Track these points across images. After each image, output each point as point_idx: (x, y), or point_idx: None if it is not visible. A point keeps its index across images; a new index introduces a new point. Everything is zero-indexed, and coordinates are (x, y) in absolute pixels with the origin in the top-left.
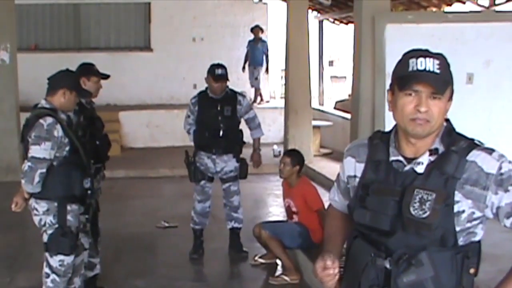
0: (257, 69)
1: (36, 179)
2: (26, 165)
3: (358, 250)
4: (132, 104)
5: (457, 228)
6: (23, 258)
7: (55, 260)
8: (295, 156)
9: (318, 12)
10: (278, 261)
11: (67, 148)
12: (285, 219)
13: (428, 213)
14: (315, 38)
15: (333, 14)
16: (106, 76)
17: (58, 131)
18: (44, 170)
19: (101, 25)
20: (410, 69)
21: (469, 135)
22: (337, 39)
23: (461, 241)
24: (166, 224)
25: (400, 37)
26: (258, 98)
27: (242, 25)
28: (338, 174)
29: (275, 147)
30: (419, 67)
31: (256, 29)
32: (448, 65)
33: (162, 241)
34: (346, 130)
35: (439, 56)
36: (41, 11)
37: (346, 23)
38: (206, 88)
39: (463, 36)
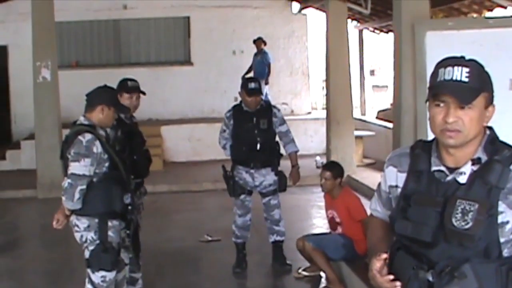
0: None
1: (77, 195)
2: (66, 182)
3: (401, 263)
4: (174, 119)
5: (501, 240)
6: (67, 274)
7: (97, 276)
8: (335, 169)
9: (358, 21)
10: (322, 274)
11: (106, 164)
12: (328, 231)
13: (470, 224)
14: (355, 48)
15: (373, 23)
16: (143, 93)
17: (97, 148)
18: (84, 187)
19: (141, 41)
20: (439, 79)
21: None
22: (378, 48)
23: (505, 252)
24: (209, 238)
25: (441, 45)
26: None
27: (282, 37)
28: (379, 184)
29: (317, 158)
30: (446, 77)
31: (258, 41)
32: (482, 71)
33: (205, 255)
34: (389, 139)
35: (470, 63)
36: (81, 28)
37: (386, 32)
38: (241, 102)
39: (504, 41)
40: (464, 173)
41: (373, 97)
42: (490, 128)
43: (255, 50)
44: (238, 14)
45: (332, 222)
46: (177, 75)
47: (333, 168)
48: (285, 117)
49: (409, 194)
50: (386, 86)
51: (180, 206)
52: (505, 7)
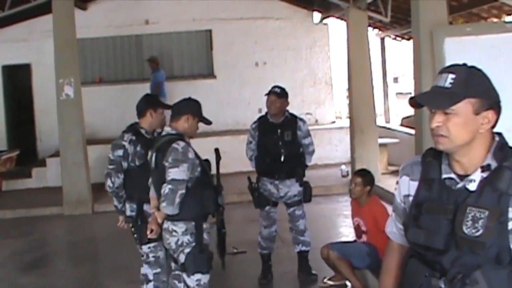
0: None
1: (177, 200)
2: (167, 188)
3: (413, 270)
4: (198, 131)
5: None
6: None
7: (192, 280)
8: (366, 177)
9: (379, 29)
10: (348, 283)
11: (199, 169)
12: (354, 239)
13: (481, 231)
14: (377, 56)
15: (394, 30)
16: (170, 107)
17: (191, 153)
18: (183, 191)
19: (164, 55)
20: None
21: None
22: (401, 55)
23: None
24: (235, 250)
25: (460, 50)
26: None
27: (304, 47)
28: (394, 200)
29: (343, 167)
30: (434, 84)
31: (149, 62)
32: (472, 77)
33: (231, 267)
34: (413, 146)
35: (458, 69)
36: (104, 44)
37: (408, 39)
38: (266, 113)
39: None
40: (474, 180)
41: (397, 104)
42: (500, 134)
43: (278, 61)
44: (259, 25)
45: (357, 230)
46: (200, 88)
47: (364, 175)
48: (309, 127)
49: (420, 202)
50: (410, 93)
51: None
52: None
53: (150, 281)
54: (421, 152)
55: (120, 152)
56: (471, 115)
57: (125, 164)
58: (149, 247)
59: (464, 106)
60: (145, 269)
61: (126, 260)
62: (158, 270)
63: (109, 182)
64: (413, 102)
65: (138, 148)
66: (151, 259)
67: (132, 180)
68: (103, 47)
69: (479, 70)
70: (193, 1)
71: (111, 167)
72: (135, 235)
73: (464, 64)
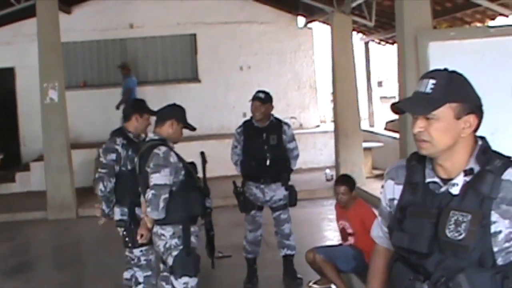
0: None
1: (161, 204)
2: (150, 193)
3: (397, 274)
4: (183, 136)
5: (495, 249)
6: None
7: (179, 283)
8: (349, 183)
9: (363, 34)
10: (333, 286)
11: (183, 172)
12: (339, 243)
13: (463, 235)
14: (362, 60)
15: (378, 35)
16: (155, 113)
17: (173, 157)
18: (167, 196)
19: (149, 59)
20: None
21: None
22: (385, 59)
23: (499, 261)
24: (220, 254)
25: (444, 55)
26: None
27: (289, 51)
28: (380, 204)
29: (327, 171)
30: (416, 89)
31: (121, 69)
32: (452, 82)
33: (217, 271)
34: (398, 150)
35: (439, 74)
36: (88, 48)
37: (392, 43)
38: (251, 118)
39: (506, 49)
40: (457, 184)
41: (382, 108)
42: (483, 138)
43: (262, 65)
44: (244, 30)
45: (343, 233)
46: (185, 92)
47: (347, 181)
48: (294, 131)
49: (405, 206)
50: (394, 97)
51: None
52: (507, 16)
53: (140, 283)
54: (406, 156)
55: (113, 156)
56: (452, 120)
57: (116, 168)
58: (141, 251)
59: (445, 111)
60: (134, 272)
61: (111, 264)
62: (149, 273)
63: (101, 186)
64: (395, 108)
65: (130, 152)
66: (143, 262)
67: (123, 184)
68: (88, 51)
69: (460, 74)
70: (178, 5)
71: (103, 171)
72: (127, 239)
73: (445, 69)
